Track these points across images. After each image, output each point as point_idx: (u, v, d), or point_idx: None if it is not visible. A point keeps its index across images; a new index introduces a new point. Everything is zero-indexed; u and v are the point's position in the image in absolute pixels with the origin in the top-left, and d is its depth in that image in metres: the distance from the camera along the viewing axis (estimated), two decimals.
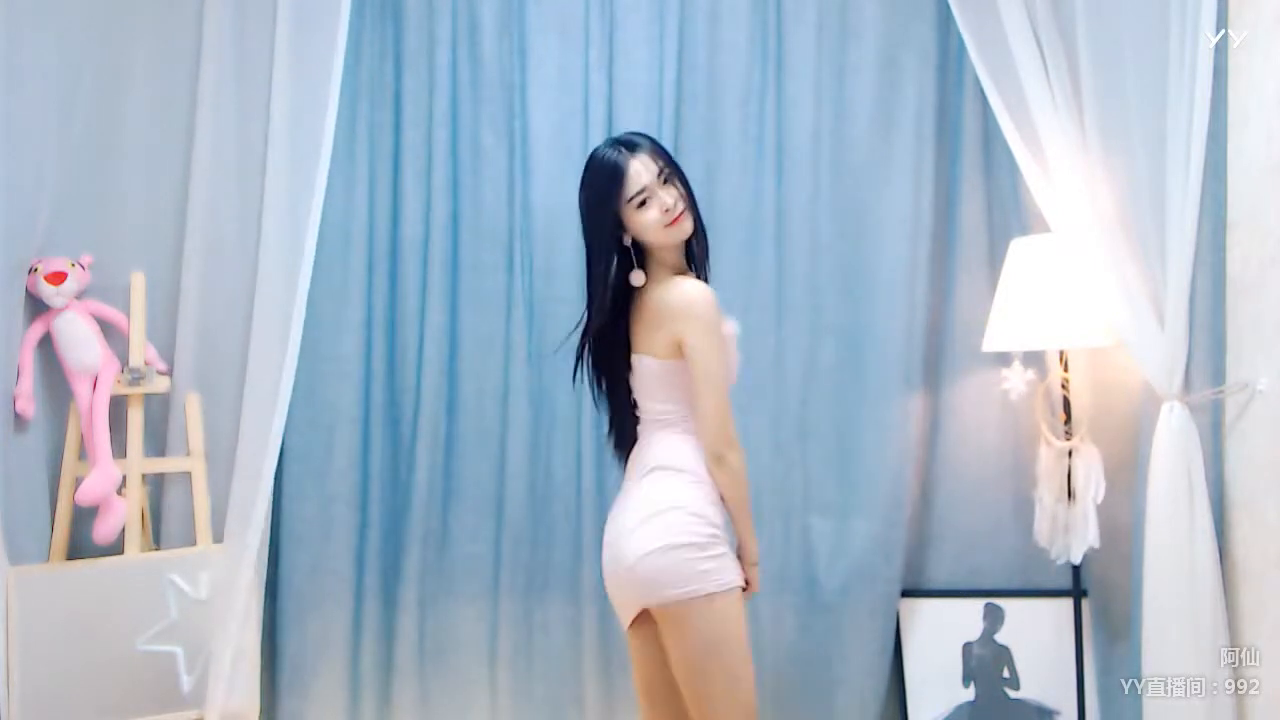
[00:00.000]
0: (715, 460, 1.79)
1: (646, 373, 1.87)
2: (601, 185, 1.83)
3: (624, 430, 1.99)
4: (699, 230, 1.89)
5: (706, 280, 1.91)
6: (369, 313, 2.55)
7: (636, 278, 1.87)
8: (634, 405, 1.95)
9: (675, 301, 1.81)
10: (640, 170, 1.81)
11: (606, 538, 1.87)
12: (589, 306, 1.89)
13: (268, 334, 2.37)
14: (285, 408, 2.33)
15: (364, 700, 2.52)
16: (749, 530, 1.86)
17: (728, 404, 1.79)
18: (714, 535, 1.76)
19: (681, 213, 1.82)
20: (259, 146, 2.43)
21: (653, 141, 1.88)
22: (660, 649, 1.81)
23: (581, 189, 1.87)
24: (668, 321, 1.82)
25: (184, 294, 2.43)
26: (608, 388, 1.98)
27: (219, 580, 2.33)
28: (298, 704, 2.48)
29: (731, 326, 1.90)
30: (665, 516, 1.76)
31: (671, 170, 1.84)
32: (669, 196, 1.81)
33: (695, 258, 1.93)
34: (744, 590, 1.82)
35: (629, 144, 1.84)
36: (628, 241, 1.86)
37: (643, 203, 1.81)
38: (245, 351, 2.40)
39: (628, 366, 1.93)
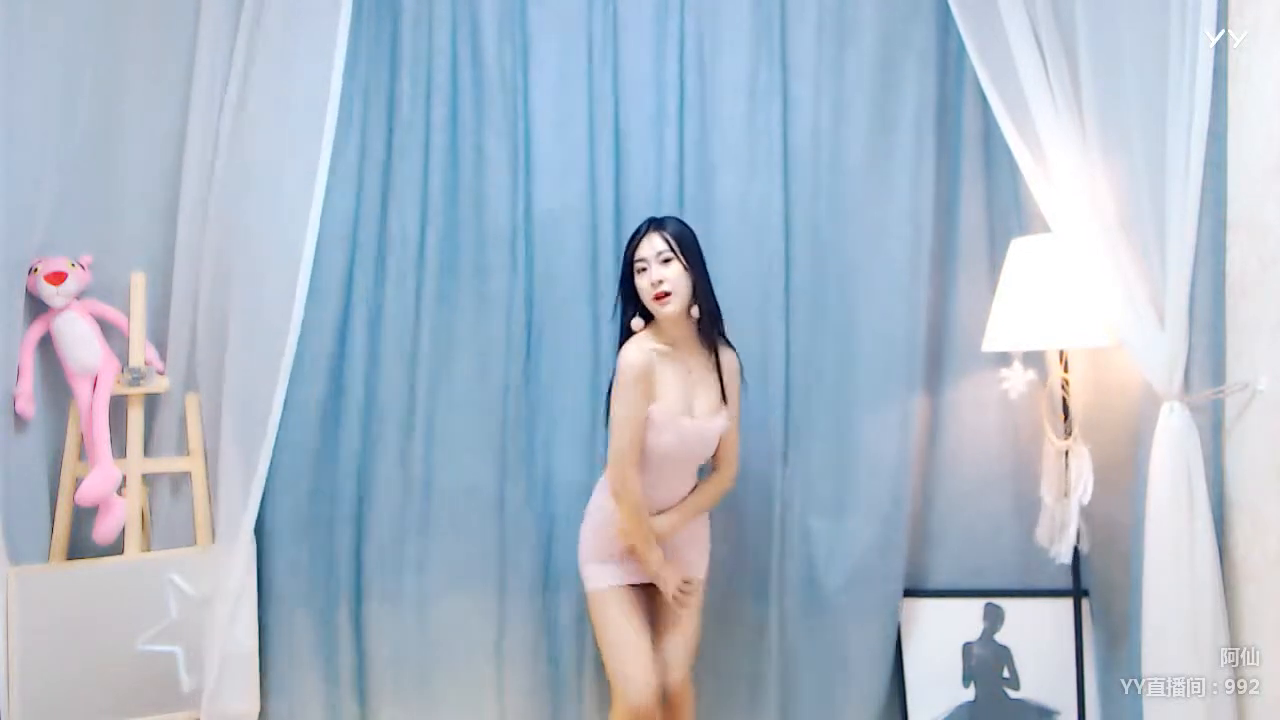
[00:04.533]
0: (614, 498, 2.13)
1: None
2: (629, 242, 2.21)
3: None
4: (705, 313, 2.19)
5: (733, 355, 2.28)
6: (368, 313, 2.56)
7: (636, 324, 2.21)
8: None
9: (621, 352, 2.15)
10: (646, 244, 2.16)
11: None
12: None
13: (260, 335, 2.36)
14: (280, 408, 2.34)
15: (353, 700, 2.53)
16: (640, 547, 2.16)
17: (623, 453, 2.10)
18: (589, 545, 2.24)
19: (667, 294, 2.12)
20: (253, 144, 2.44)
21: (679, 226, 2.20)
22: None
23: None
24: None
25: (177, 294, 2.43)
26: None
27: (212, 580, 2.34)
28: (291, 702, 2.48)
29: (674, 413, 2.13)
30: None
31: (675, 255, 2.14)
32: (660, 274, 2.13)
33: (705, 332, 2.23)
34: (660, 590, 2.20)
35: (657, 221, 2.20)
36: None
37: (642, 270, 2.15)
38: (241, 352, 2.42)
39: None
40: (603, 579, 2.22)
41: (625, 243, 2.25)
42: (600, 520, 2.24)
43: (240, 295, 2.41)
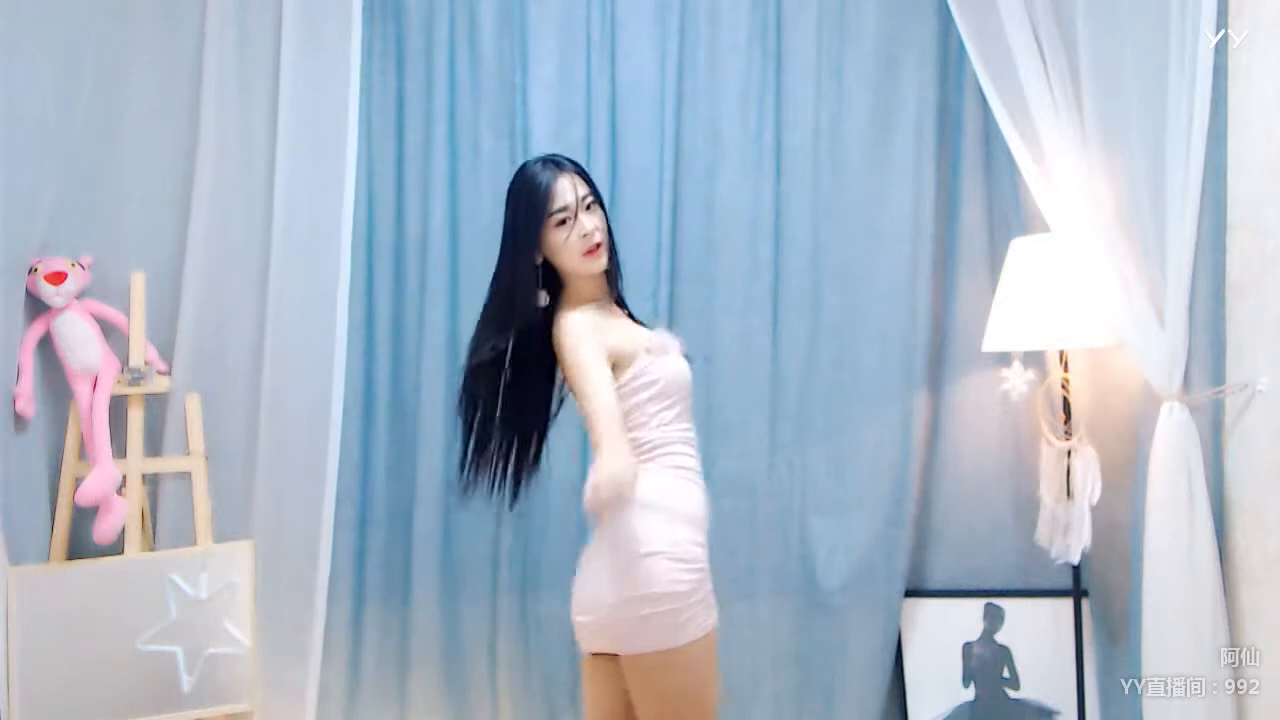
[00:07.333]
0: (615, 472, 1.55)
1: None
2: (526, 197, 1.76)
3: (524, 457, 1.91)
4: (615, 266, 1.84)
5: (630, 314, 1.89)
6: (369, 312, 2.56)
7: (540, 298, 1.79)
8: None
9: (556, 331, 1.76)
10: (566, 189, 1.76)
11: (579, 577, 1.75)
12: (484, 324, 1.81)
13: (306, 334, 2.41)
14: (340, 403, 2.41)
15: (360, 698, 2.53)
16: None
17: (611, 407, 1.60)
18: (697, 581, 1.66)
19: (599, 244, 1.77)
20: (263, 144, 2.44)
21: (579, 166, 1.82)
22: (620, 685, 1.72)
23: (507, 201, 1.80)
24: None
25: (184, 294, 2.43)
26: (514, 414, 1.85)
27: (217, 578, 2.34)
28: (292, 703, 2.48)
29: (669, 342, 1.81)
30: (644, 563, 1.63)
31: (595, 200, 1.80)
32: (589, 222, 1.76)
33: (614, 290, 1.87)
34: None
35: (557, 162, 1.79)
36: (538, 260, 1.78)
37: (562, 221, 1.75)
38: (246, 351, 2.42)
39: (546, 394, 1.88)
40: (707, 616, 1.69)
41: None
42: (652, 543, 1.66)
43: (247, 295, 2.43)
